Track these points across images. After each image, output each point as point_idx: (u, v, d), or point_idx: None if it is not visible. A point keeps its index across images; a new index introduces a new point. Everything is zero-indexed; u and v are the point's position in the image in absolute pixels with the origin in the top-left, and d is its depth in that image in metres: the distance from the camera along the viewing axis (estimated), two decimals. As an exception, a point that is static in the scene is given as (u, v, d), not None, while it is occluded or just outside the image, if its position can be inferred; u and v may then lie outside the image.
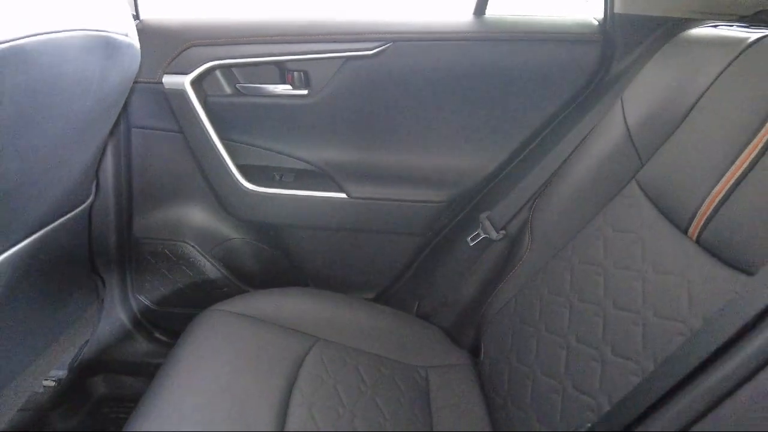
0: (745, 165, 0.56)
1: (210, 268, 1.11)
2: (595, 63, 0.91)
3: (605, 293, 0.67)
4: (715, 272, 0.54)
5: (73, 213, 0.82)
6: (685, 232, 0.60)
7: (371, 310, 0.98)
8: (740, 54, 0.65)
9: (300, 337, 0.85)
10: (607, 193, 0.76)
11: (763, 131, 0.55)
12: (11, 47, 0.46)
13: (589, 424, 0.56)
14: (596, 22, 0.94)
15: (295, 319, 0.89)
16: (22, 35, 0.47)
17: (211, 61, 0.92)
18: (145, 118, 0.98)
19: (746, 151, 0.56)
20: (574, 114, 0.92)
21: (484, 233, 0.94)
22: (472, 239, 0.95)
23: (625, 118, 0.79)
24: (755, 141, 0.56)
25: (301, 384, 0.77)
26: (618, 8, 0.89)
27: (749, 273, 0.50)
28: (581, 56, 0.92)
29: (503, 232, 0.92)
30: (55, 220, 0.76)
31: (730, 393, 0.40)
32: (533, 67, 0.93)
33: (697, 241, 0.58)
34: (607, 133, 0.81)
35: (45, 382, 1.06)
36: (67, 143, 0.68)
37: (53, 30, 0.50)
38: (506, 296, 0.85)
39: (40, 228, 0.74)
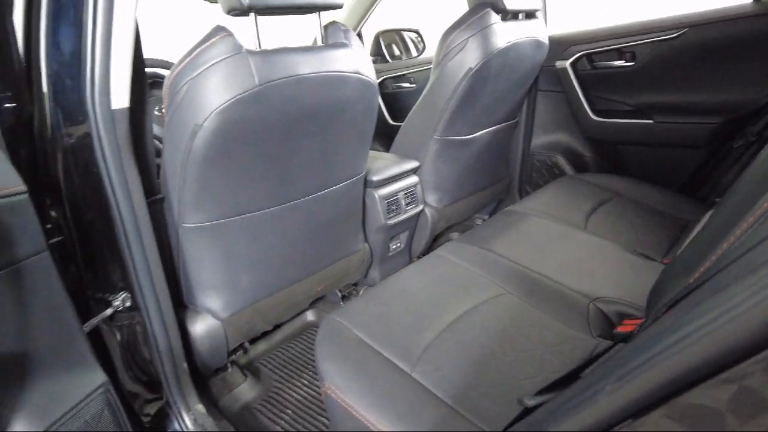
0: None
1: (569, 170, 1.98)
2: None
3: None
4: None
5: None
6: None
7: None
8: None
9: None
10: None
11: None
12: (513, 44, 1.46)
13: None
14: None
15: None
16: (512, 39, 1.47)
17: (581, 51, 1.79)
18: (544, 85, 1.94)
19: None
20: None
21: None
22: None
23: None
24: None
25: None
26: None
27: None
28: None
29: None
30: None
31: None
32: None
33: None
34: None
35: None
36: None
37: (524, 36, 1.49)
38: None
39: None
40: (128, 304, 0.99)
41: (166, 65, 1.68)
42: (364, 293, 1.10)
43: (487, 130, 1.72)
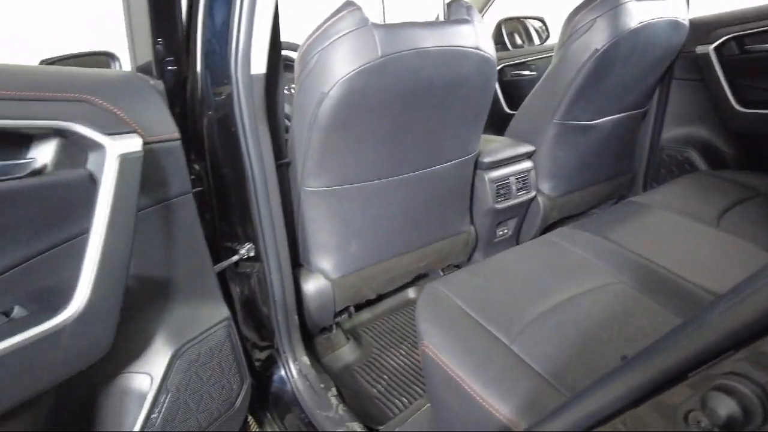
0: None
1: (703, 167, 1.80)
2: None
3: None
4: None
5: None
6: None
7: None
8: None
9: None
10: None
11: None
12: (646, 25, 1.36)
13: None
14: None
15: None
16: (645, 19, 1.36)
17: (730, 35, 1.61)
18: (681, 73, 1.78)
19: None
20: None
21: None
22: None
23: None
24: None
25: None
26: None
27: None
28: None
29: None
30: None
31: None
32: None
33: None
34: None
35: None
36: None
37: (659, 17, 1.38)
38: None
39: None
40: (252, 254, 1.10)
41: (296, 48, 1.81)
42: (468, 267, 1.11)
43: (612, 117, 1.62)
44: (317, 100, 1.02)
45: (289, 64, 1.80)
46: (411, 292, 1.68)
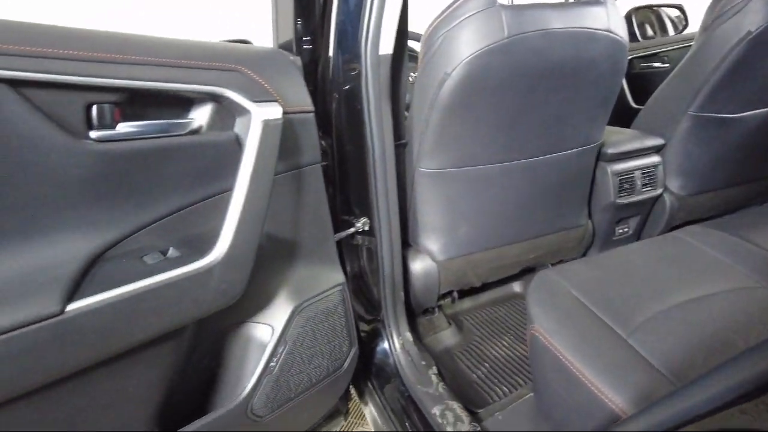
0: None
1: None
2: None
3: None
4: None
5: None
6: None
7: None
8: None
9: None
10: None
11: None
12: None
13: None
14: None
15: None
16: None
17: None
18: None
19: None
20: None
21: None
22: None
23: None
24: None
25: None
26: None
27: None
28: None
29: None
30: None
31: None
32: None
33: None
34: None
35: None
36: None
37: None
38: None
39: None
40: (367, 228, 1.15)
41: (418, 38, 1.85)
42: (585, 258, 1.07)
43: (762, 110, 1.45)
44: (439, 80, 1.04)
45: (411, 54, 1.84)
46: (516, 286, 1.65)
